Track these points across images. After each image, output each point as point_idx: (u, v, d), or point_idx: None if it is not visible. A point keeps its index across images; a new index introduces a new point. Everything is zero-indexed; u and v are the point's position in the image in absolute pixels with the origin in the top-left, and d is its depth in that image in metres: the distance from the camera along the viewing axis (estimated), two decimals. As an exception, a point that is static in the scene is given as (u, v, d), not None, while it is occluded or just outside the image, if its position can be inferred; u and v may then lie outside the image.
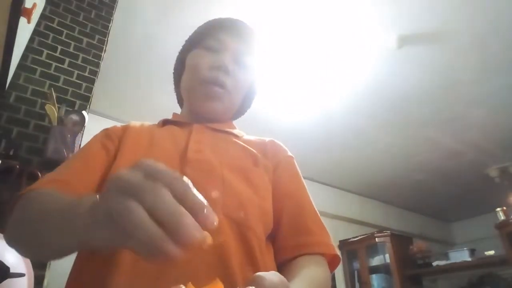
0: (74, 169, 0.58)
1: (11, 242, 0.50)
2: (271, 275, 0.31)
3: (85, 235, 0.32)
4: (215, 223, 0.27)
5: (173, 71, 0.79)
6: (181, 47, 0.78)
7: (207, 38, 0.72)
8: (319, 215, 0.64)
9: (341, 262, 0.65)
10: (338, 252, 0.63)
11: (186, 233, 0.25)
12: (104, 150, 0.62)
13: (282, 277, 0.33)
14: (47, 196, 0.49)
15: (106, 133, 0.66)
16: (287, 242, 0.59)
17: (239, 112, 0.80)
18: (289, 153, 0.72)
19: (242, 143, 0.68)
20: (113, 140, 0.64)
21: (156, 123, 0.73)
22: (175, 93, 0.81)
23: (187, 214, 0.26)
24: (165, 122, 0.72)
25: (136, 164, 0.29)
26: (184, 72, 0.74)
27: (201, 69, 0.68)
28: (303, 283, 0.47)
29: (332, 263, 0.60)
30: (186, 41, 0.77)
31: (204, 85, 0.68)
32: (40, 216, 0.45)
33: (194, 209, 0.26)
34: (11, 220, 0.50)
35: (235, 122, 0.79)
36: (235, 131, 0.73)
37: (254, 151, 0.66)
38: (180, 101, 0.81)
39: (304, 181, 0.70)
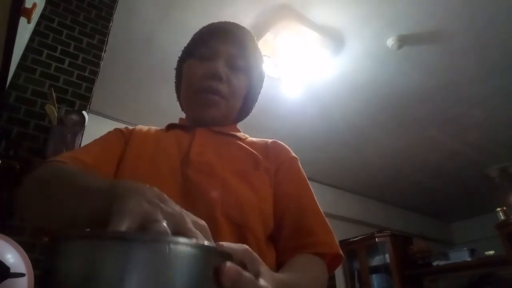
0: (93, 153, 0.61)
1: (24, 196, 0.49)
2: (231, 244, 0.32)
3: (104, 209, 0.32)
4: None
5: (174, 80, 0.80)
6: (179, 57, 0.78)
7: (200, 46, 0.73)
8: (322, 214, 0.64)
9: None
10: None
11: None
12: (119, 142, 0.66)
13: (246, 246, 0.33)
14: (73, 166, 0.52)
15: (119, 129, 0.70)
16: (288, 243, 0.59)
17: (242, 114, 0.79)
18: (292, 154, 0.72)
19: (244, 145, 0.68)
20: (125, 136, 0.68)
21: (163, 127, 0.75)
22: (177, 101, 0.81)
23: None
24: (170, 127, 0.74)
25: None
26: (182, 82, 0.75)
27: (196, 79, 0.69)
28: (289, 278, 0.46)
29: (334, 261, 0.60)
30: (182, 50, 0.78)
31: (200, 94, 0.69)
32: (66, 178, 0.46)
33: None
34: (31, 176, 0.50)
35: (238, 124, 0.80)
36: (239, 134, 0.73)
37: (256, 153, 0.66)
38: (183, 109, 0.81)
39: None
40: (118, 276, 0.20)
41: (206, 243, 0.25)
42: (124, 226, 0.27)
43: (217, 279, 0.25)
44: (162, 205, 0.31)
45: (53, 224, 0.44)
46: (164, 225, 0.28)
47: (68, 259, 0.22)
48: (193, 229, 0.30)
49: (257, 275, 0.31)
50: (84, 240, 0.22)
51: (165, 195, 0.33)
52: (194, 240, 0.24)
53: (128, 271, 0.21)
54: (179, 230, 0.29)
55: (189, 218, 0.32)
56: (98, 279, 0.21)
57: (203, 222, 0.33)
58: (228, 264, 0.26)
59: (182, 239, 0.23)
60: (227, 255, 0.27)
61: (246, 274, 0.28)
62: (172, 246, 0.22)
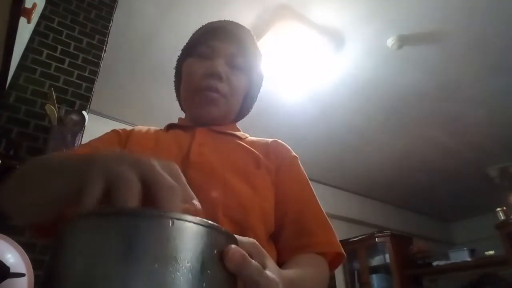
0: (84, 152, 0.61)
1: (4, 190, 0.48)
2: (238, 236, 0.31)
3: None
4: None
5: (174, 80, 0.80)
6: (178, 56, 0.78)
7: (199, 45, 0.72)
8: (323, 213, 0.64)
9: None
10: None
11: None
12: (116, 143, 0.65)
13: (253, 240, 0.32)
14: (53, 156, 0.52)
15: (116, 131, 0.69)
16: (288, 243, 0.59)
17: (241, 113, 0.79)
18: (293, 153, 0.71)
19: (245, 144, 0.68)
20: (122, 138, 0.67)
21: (162, 127, 0.75)
22: (177, 101, 0.81)
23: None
24: (170, 127, 0.74)
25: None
26: (181, 82, 0.75)
27: (195, 78, 0.69)
28: (293, 274, 0.46)
29: (335, 261, 0.61)
30: (182, 49, 0.78)
31: (199, 93, 0.69)
32: (46, 163, 0.46)
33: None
34: (16, 172, 0.50)
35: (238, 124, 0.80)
36: (239, 133, 0.73)
37: (256, 152, 0.66)
38: (183, 108, 0.81)
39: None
40: (119, 251, 0.20)
41: (211, 222, 0.24)
42: (91, 195, 0.27)
43: (222, 262, 0.24)
44: (127, 157, 0.30)
45: (37, 207, 0.42)
46: (129, 176, 0.27)
47: (72, 240, 0.23)
48: (161, 171, 0.29)
49: (263, 267, 0.30)
50: (85, 218, 0.23)
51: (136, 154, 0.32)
52: (198, 218, 0.24)
53: (127, 246, 0.21)
54: (147, 176, 0.28)
55: (158, 163, 0.30)
56: (99, 258, 0.21)
57: (174, 166, 0.32)
58: (233, 247, 0.25)
59: (187, 216, 0.23)
60: (232, 238, 0.26)
61: (252, 260, 0.27)
62: (175, 221, 0.22)
